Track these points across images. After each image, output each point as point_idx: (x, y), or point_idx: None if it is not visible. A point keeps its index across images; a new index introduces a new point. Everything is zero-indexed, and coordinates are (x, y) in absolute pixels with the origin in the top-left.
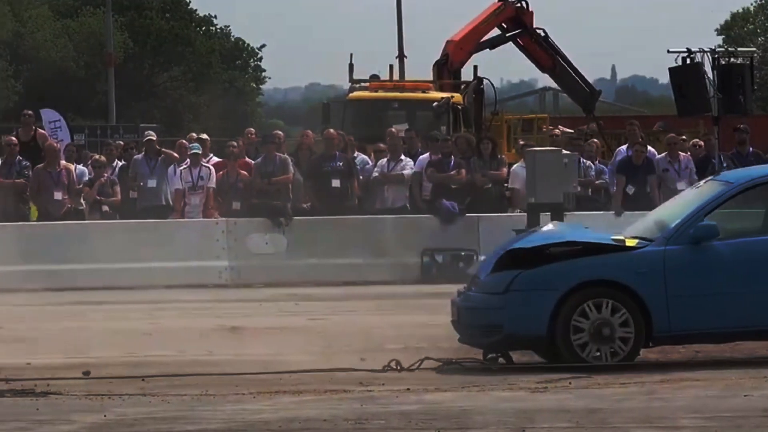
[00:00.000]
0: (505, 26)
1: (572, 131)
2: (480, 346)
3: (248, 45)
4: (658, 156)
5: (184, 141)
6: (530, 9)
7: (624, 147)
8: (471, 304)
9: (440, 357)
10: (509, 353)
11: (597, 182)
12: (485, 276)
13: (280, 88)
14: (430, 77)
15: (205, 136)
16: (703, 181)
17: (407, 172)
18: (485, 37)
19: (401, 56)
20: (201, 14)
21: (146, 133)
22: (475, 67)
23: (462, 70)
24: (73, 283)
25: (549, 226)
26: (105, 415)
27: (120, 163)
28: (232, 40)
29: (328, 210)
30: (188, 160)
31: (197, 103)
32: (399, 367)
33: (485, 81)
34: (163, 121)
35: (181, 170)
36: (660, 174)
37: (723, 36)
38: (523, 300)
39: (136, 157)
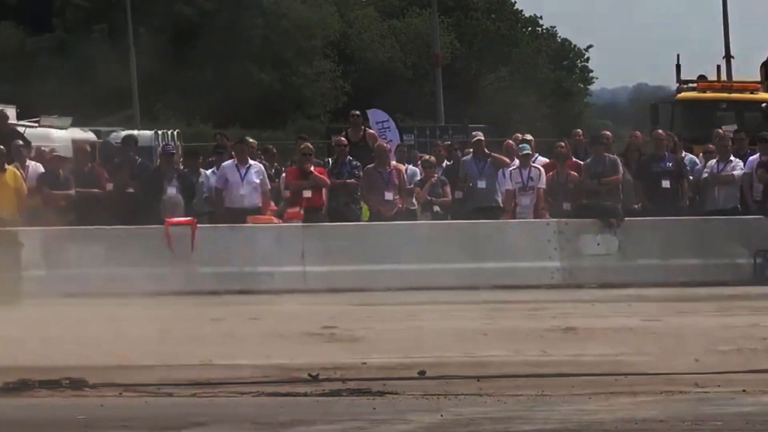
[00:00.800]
0: None
1: None
2: None
3: (575, 46)
4: None
5: (510, 141)
6: None
7: None
8: None
9: None
10: None
11: None
12: None
13: (607, 89)
14: (758, 78)
15: (529, 136)
16: None
17: (737, 173)
18: None
19: (728, 57)
20: (526, 15)
21: (474, 133)
22: None
23: None
24: (406, 283)
25: None
26: (441, 415)
27: (448, 163)
28: (558, 40)
29: (659, 210)
30: (517, 161)
31: (525, 103)
32: None
33: None
34: (490, 121)
35: (510, 171)
36: None
37: None
38: None
39: (464, 158)
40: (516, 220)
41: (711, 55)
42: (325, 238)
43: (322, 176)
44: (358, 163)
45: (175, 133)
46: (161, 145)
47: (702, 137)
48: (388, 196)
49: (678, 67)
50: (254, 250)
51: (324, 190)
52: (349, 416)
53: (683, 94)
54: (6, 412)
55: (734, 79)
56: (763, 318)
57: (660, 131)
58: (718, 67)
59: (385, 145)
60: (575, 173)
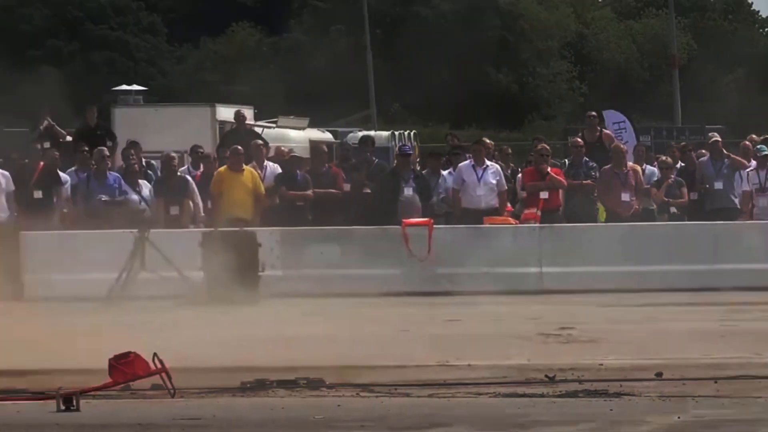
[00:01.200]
0: None
1: None
2: None
3: None
4: None
5: (747, 142)
6: None
7: None
8: None
9: None
10: None
11: None
12: None
13: None
14: None
15: None
16: None
17: None
18: None
19: None
20: (763, 15)
21: (710, 135)
22: None
23: None
24: (642, 284)
25: None
26: (679, 417)
27: (682, 165)
28: None
29: None
30: (754, 162)
31: (762, 104)
32: None
33: None
34: (727, 122)
35: (748, 172)
36: None
37: None
38: None
39: (701, 159)
40: (753, 222)
41: None
42: (561, 239)
43: (558, 177)
44: (595, 164)
45: (411, 133)
46: (398, 145)
47: None
48: (625, 197)
49: None
50: (491, 250)
51: (561, 191)
52: (586, 417)
53: None
54: (243, 411)
55: None
56: None
57: None
58: None
59: (621, 146)
60: None
